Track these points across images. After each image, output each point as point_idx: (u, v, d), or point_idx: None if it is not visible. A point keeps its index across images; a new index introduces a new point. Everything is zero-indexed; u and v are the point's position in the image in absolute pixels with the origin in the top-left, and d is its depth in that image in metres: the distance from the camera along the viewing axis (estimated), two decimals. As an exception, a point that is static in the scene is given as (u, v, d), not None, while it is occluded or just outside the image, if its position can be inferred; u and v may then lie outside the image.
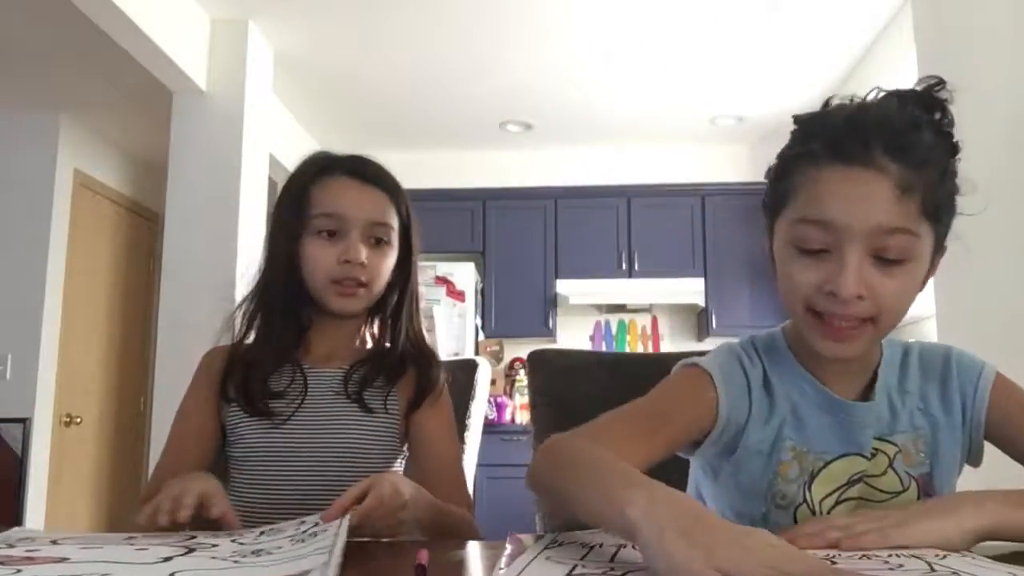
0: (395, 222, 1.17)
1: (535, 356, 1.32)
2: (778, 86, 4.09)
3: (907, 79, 3.09)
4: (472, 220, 4.90)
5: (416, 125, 4.69)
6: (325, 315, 1.17)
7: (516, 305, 4.81)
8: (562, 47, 3.79)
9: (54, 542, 0.73)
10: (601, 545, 0.68)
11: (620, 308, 5.04)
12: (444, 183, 4.83)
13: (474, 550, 0.84)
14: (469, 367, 1.40)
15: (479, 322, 4.75)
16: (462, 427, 1.33)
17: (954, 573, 0.58)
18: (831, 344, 0.81)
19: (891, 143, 0.76)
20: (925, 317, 3.43)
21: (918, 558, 0.63)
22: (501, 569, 0.60)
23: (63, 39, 3.39)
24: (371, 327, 1.23)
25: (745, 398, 0.89)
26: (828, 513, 0.86)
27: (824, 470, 0.86)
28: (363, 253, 1.12)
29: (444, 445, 1.17)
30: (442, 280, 4.56)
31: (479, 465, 1.42)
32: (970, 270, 2.19)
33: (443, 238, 4.79)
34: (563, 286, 4.76)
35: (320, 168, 1.17)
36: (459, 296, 4.56)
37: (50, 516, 4.00)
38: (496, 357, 4.91)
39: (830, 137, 0.78)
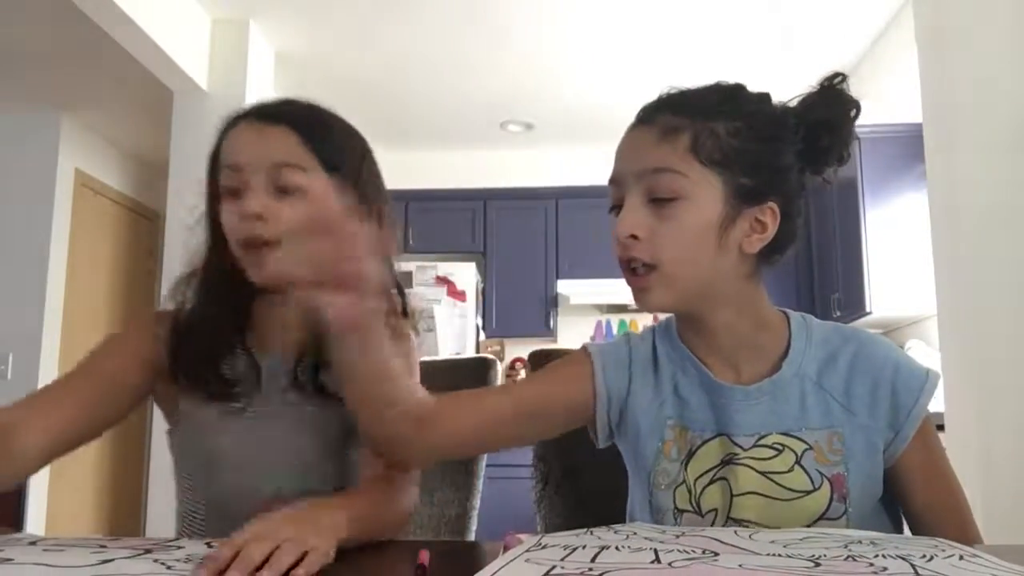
0: (314, 163, 0.95)
1: (536, 356, 1.32)
2: (779, 86, 4.08)
3: (908, 79, 3.06)
4: (473, 220, 4.90)
5: (416, 125, 4.70)
6: (267, 292, 1.01)
7: (517, 305, 4.81)
8: (563, 47, 3.79)
9: (32, 543, 0.72)
10: (584, 547, 0.68)
11: (621, 308, 5.04)
12: (444, 183, 4.83)
13: (472, 549, 0.84)
14: (482, 365, 1.35)
15: (480, 322, 4.75)
16: None
17: None
18: (637, 298, 0.86)
19: (667, 104, 0.86)
20: (925, 317, 3.43)
21: (904, 559, 0.63)
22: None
23: (64, 39, 3.39)
24: None
25: (624, 371, 0.92)
26: (700, 494, 0.85)
27: (701, 448, 0.87)
28: (258, 204, 0.93)
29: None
30: (443, 280, 4.56)
31: (479, 465, 1.41)
32: (971, 270, 2.19)
33: (444, 238, 4.80)
34: (564, 286, 4.76)
35: (229, 121, 1.01)
36: (460, 296, 4.56)
37: (51, 516, 4.00)
38: (497, 357, 4.91)
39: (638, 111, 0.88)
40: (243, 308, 1.04)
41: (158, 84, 3.40)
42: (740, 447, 0.85)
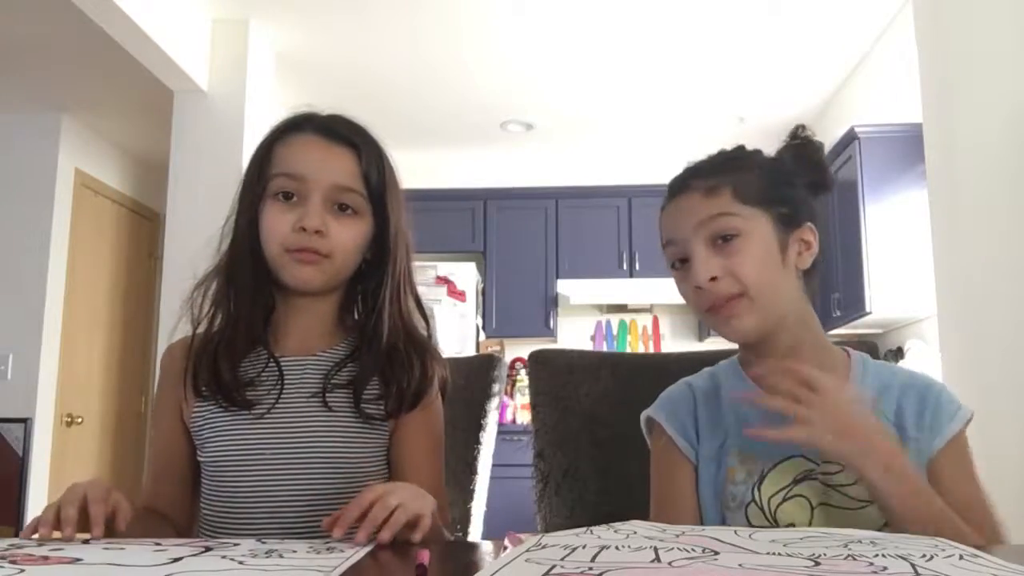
0: (364, 188, 1.03)
1: (536, 356, 1.33)
2: (779, 86, 4.09)
3: (908, 79, 3.06)
4: (473, 220, 4.90)
5: (417, 125, 4.69)
6: (290, 295, 1.05)
7: (517, 305, 4.81)
8: (563, 47, 3.79)
9: (85, 542, 0.75)
10: (584, 547, 0.68)
11: (621, 308, 5.04)
12: (444, 183, 4.84)
13: (472, 549, 0.84)
14: (487, 363, 1.34)
15: (480, 322, 4.75)
16: (478, 426, 1.30)
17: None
18: (726, 328, 0.96)
19: (698, 172, 1.00)
20: (925, 317, 3.43)
21: (904, 559, 0.63)
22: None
23: (64, 39, 3.40)
24: (351, 315, 1.10)
25: (691, 414, 1.02)
26: (775, 511, 0.93)
27: (773, 470, 0.95)
28: (322, 220, 0.99)
29: (424, 461, 1.04)
30: (443, 280, 4.56)
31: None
32: (971, 270, 2.19)
33: (444, 238, 4.79)
34: (564, 286, 4.76)
35: (289, 125, 1.06)
36: (460, 296, 4.56)
37: (51, 516, 4.00)
38: (497, 357, 4.92)
39: (669, 186, 1.03)
40: (266, 311, 1.07)
41: (158, 84, 3.40)
42: (815, 463, 0.94)
